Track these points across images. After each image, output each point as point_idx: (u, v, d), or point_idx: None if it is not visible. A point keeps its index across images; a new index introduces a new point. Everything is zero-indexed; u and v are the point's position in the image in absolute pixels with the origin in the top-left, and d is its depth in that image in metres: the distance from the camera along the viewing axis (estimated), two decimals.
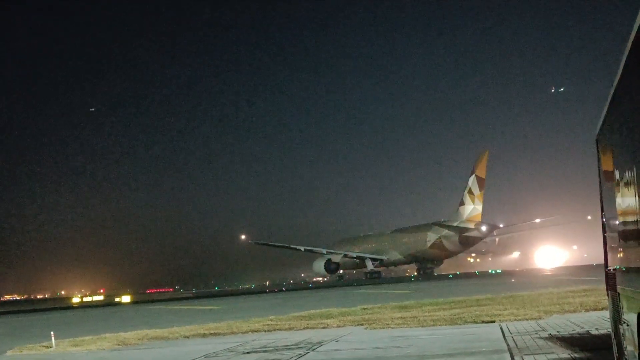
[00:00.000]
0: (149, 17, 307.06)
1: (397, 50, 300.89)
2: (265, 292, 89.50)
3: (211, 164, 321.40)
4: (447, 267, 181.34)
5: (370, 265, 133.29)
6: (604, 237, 10.83)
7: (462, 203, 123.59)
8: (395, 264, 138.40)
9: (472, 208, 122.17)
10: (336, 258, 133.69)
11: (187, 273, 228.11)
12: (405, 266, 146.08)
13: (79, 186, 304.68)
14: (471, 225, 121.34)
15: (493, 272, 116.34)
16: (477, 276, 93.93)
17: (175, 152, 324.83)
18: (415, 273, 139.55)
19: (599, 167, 10.82)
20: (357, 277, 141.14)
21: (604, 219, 10.61)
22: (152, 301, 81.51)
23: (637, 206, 6.79)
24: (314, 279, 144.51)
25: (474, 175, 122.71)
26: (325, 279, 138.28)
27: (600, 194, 10.77)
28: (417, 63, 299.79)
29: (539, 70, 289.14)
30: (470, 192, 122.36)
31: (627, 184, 7.43)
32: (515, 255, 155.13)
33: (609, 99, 8.68)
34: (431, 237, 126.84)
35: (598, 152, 10.73)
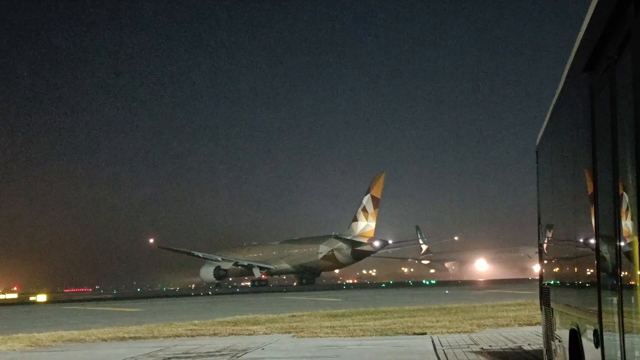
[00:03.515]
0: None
1: (302, 67, 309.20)
2: (191, 295, 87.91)
3: (136, 163, 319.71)
4: (383, 276, 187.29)
5: (257, 274, 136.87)
6: (540, 251, 10.76)
7: (355, 219, 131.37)
8: (282, 273, 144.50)
9: (365, 224, 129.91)
10: (226, 265, 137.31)
11: (107, 273, 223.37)
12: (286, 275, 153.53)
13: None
14: (365, 240, 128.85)
15: (427, 282, 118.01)
16: (411, 286, 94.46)
17: (101, 147, 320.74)
18: (295, 283, 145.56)
19: (537, 178, 10.69)
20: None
21: (540, 232, 10.48)
22: (70, 301, 78.94)
23: (574, 220, 6.58)
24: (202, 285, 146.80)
25: (369, 195, 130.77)
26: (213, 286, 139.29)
27: (538, 206, 10.64)
28: (319, 80, 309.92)
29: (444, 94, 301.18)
30: (365, 209, 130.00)
31: (564, 197, 7.28)
32: (480, 265, 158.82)
33: (550, 110, 8.58)
34: (323, 249, 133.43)
35: (537, 163, 10.62)
